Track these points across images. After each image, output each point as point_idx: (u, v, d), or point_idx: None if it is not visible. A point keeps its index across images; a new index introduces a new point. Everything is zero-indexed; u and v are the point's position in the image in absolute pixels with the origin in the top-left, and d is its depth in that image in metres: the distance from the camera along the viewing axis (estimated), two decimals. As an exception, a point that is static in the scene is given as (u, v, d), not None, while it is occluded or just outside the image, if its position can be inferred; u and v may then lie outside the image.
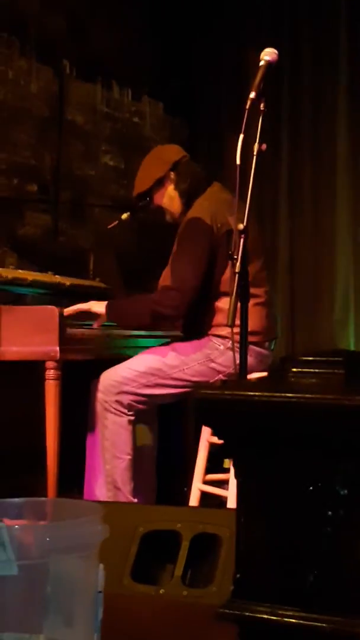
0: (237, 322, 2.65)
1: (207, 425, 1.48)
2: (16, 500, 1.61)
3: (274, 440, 1.40)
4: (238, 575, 1.43)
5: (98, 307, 3.44)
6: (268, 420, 1.39)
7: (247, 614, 1.39)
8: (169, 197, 3.61)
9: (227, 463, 3.62)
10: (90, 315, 3.46)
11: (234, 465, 1.52)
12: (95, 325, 3.42)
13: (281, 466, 1.40)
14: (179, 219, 3.60)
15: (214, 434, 1.51)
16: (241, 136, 2.70)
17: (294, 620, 1.37)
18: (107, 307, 3.43)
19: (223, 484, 3.47)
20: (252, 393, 1.39)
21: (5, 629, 1.41)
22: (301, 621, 1.36)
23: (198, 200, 3.53)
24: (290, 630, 1.37)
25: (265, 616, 1.38)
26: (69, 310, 3.36)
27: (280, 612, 1.38)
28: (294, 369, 1.51)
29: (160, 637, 1.69)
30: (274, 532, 1.40)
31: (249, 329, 2.75)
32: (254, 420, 1.39)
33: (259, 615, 1.39)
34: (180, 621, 1.84)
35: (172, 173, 3.60)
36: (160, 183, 3.61)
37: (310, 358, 1.52)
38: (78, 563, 1.45)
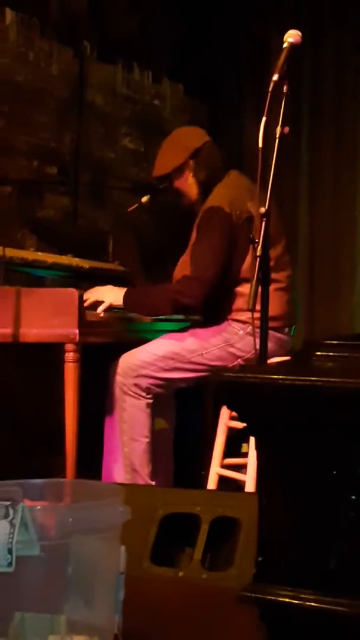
0: (258, 307, 2.64)
1: (231, 408, 1.48)
2: (37, 481, 1.62)
3: (298, 424, 1.39)
4: (260, 559, 1.43)
5: (116, 298, 3.41)
6: (292, 404, 1.38)
7: (268, 597, 1.39)
8: (188, 184, 3.59)
9: (246, 447, 3.62)
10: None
11: (257, 449, 1.52)
12: (99, 310, 3.38)
13: (304, 450, 1.40)
14: (195, 206, 3.58)
15: (237, 417, 1.50)
16: (263, 119, 2.67)
17: (315, 604, 1.37)
18: (125, 298, 3.41)
19: (241, 468, 3.47)
20: (276, 376, 1.39)
21: (27, 609, 1.41)
22: (323, 605, 1.36)
23: (216, 188, 3.50)
24: (312, 613, 1.37)
25: (287, 599, 1.38)
26: (87, 302, 3.34)
27: (302, 595, 1.38)
28: (318, 353, 1.50)
29: (181, 619, 1.69)
30: (297, 515, 1.40)
31: (269, 314, 2.73)
32: (278, 404, 1.38)
33: (280, 599, 1.39)
34: (200, 604, 1.84)
35: (191, 161, 3.57)
36: (179, 170, 3.59)
37: (334, 342, 1.51)
38: (100, 545, 1.45)
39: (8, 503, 1.35)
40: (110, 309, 3.41)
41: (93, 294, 3.38)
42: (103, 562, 1.46)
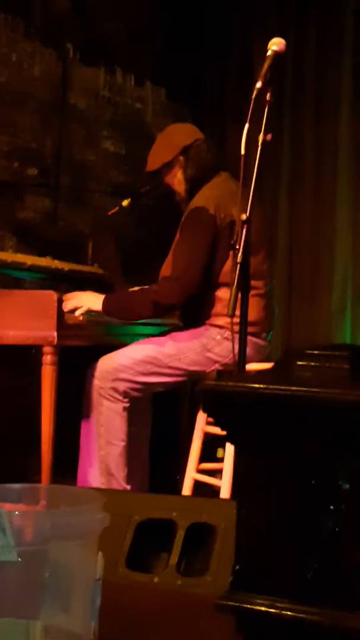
0: (237, 312, 2.65)
1: (211, 416, 1.48)
2: (15, 485, 1.61)
3: (278, 433, 1.40)
4: (237, 567, 1.43)
5: (95, 304, 3.39)
6: (273, 413, 1.38)
7: (245, 605, 1.39)
8: (178, 180, 3.60)
9: (221, 452, 3.62)
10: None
11: (236, 457, 1.52)
12: (77, 314, 3.36)
13: (284, 459, 1.40)
14: (184, 203, 3.58)
15: (216, 424, 1.50)
16: (246, 126, 2.69)
17: (292, 613, 1.37)
18: (104, 303, 3.39)
19: (216, 473, 3.47)
20: (257, 385, 1.39)
21: (2, 614, 1.40)
22: (300, 614, 1.36)
23: (203, 189, 3.51)
24: (289, 623, 1.37)
25: (264, 608, 1.38)
26: (66, 308, 3.32)
27: (279, 604, 1.38)
28: (299, 362, 1.51)
29: (157, 625, 1.69)
30: (275, 524, 1.40)
31: (248, 320, 2.74)
32: (259, 413, 1.39)
33: (257, 608, 1.39)
34: (175, 610, 1.84)
35: (181, 158, 3.58)
36: (169, 166, 3.59)
37: (316, 352, 1.52)
38: (77, 550, 1.44)
39: (-14, 508, 1.34)
40: (89, 312, 3.40)
41: (72, 301, 3.36)
42: (80, 568, 1.46)
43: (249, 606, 1.39)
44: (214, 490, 3.40)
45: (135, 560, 2.12)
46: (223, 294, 3.39)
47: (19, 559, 1.37)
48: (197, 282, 3.37)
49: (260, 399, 1.37)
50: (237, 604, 1.40)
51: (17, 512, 1.38)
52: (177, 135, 3.65)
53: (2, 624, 1.40)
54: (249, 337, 2.94)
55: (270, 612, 1.38)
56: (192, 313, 3.52)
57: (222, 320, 3.40)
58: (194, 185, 3.54)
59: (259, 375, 1.64)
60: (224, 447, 3.51)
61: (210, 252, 3.38)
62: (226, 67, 5.45)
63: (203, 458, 3.54)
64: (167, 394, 3.70)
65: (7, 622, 1.40)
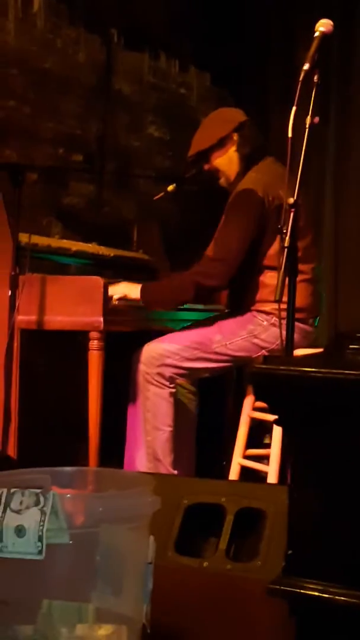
0: (284, 298, 2.63)
1: (263, 400, 1.47)
2: (67, 469, 1.61)
3: (331, 417, 1.38)
4: (290, 552, 1.42)
5: (132, 292, 3.38)
6: (325, 396, 1.37)
7: (298, 590, 1.38)
8: (228, 159, 3.54)
9: (268, 438, 3.61)
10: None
11: (288, 442, 1.51)
12: (114, 299, 3.35)
13: (337, 443, 1.39)
14: (232, 186, 3.54)
15: (269, 408, 1.49)
16: (294, 108, 2.65)
17: (346, 599, 1.36)
18: (142, 292, 3.37)
19: (263, 459, 3.46)
20: (309, 369, 1.38)
21: (55, 597, 1.41)
22: (353, 599, 1.35)
23: (250, 172, 3.48)
24: (342, 608, 1.36)
25: (317, 594, 1.37)
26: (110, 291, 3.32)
27: (332, 590, 1.37)
28: (352, 346, 1.49)
29: (208, 609, 1.69)
30: (328, 509, 1.39)
31: (295, 306, 2.72)
32: (312, 397, 1.37)
33: (310, 593, 1.38)
34: (225, 594, 1.83)
35: (235, 134, 3.53)
36: (221, 143, 3.54)
37: (368, 335, 1.50)
38: (129, 534, 1.44)
39: (39, 490, 1.35)
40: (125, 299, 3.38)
41: (109, 291, 3.35)
42: (132, 551, 1.46)
43: (301, 591, 1.38)
44: (261, 476, 3.39)
45: (184, 545, 2.12)
46: (269, 279, 3.37)
47: (71, 542, 1.37)
48: (240, 263, 3.34)
49: (312, 383, 1.36)
50: (289, 589, 1.39)
51: (68, 495, 1.39)
52: (230, 113, 3.62)
53: (55, 607, 1.41)
54: (296, 323, 2.91)
55: (323, 597, 1.37)
56: (237, 298, 3.50)
57: (269, 306, 3.38)
58: (247, 164, 3.50)
59: (311, 358, 1.62)
60: (270, 433, 3.49)
61: (256, 234, 3.35)
62: (269, 51, 5.39)
63: (249, 444, 3.53)
64: (213, 379, 3.70)
65: (59, 605, 1.41)
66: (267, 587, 1.40)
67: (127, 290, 3.37)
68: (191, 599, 1.80)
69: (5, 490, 1.35)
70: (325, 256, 5.03)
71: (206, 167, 3.59)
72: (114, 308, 3.31)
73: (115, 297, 3.35)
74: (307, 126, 2.68)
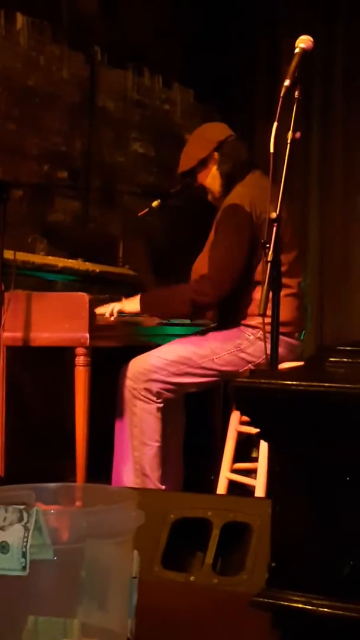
0: (269, 312, 2.64)
1: (244, 414, 1.48)
2: (51, 485, 1.62)
3: (313, 430, 1.39)
4: (273, 564, 1.43)
5: (130, 305, 3.41)
6: (307, 409, 1.38)
7: (282, 602, 1.39)
8: (212, 177, 3.58)
9: (255, 452, 3.62)
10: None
11: (270, 454, 1.51)
12: (109, 313, 3.38)
13: (319, 455, 1.40)
14: (218, 201, 3.57)
15: (250, 422, 1.50)
16: (275, 124, 2.68)
17: (329, 610, 1.36)
18: (141, 302, 3.41)
19: (251, 473, 3.47)
20: (290, 382, 1.39)
21: (40, 612, 1.41)
22: (336, 611, 1.36)
23: (237, 186, 3.50)
24: (325, 620, 1.37)
25: (300, 605, 1.38)
26: (100, 311, 3.34)
27: (315, 601, 1.37)
28: (332, 359, 1.50)
29: (193, 624, 1.69)
30: (311, 521, 1.39)
31: (280, 320, 2.73)
32: (292, 410, 1.38)
33: (293, 605, 1.39)
34: (212, 608, 1.84)
35: (215, 153, 3.57)
36: (203, 163, 3.58)
37: (348, 348, 1.51)
38: (113, 549, 1.45)
39: (22, 507, 1.35)
40: (121, 313, 3.41)
41: (107, 308, 3.38)
42: (116, 566, 1.46)
43: (285, 603, 1.39)
44: (249, 490, 3.40)
45: (171, 560, 2.13)
46: (255, 292, 3.39)
47: (55, 558, 1.37)
48: (235, 281, 3.37)
49: (293, 396, 1.37)
50: (273, 601, 1.40)
51: (52, 511, 1.39)
52: (210, 132, 3.65)
53: (41, 623, 1.41)
54: (282, 337, 2.93)
55: (307, 609, 1.38)
56: (228, 312, 3.51)
57: (255, 320, 3.39)
58: (229, 181, 3.53)
59: (292, 372, 1.63)
60: (257, 446, 3.50)
61: (247, 249, 3.37)
62: (254, 67, 5.43)
63: (237, 458, 3.53)
64: (200, 394, 3.70)
65: (45, 621, 1.41)
66: (250, 599, 1.41)
67: (125, 304, 3.40)
68: (178, 613, 1.80)
69: (-12, 507, 1.36)
70: (310, 270, 5.06)
71: (195, 183, 3.64)
72: (101, 324, 3.32)
73: (112, 311, 3.37)
74: (289, 141, 2.71)
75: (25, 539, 1.32)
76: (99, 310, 3.36)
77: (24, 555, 1.32)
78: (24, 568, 1.32)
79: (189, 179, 3.65)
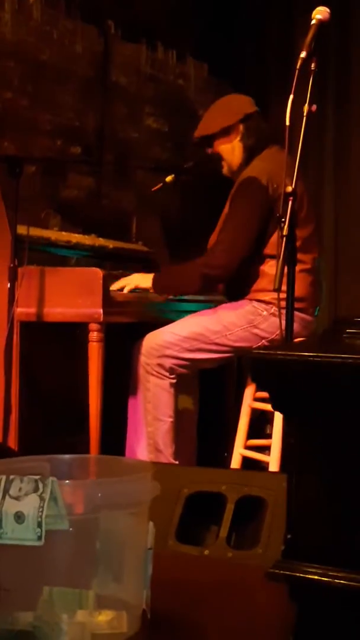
0: (283, 287, 2.63)
1: (260, 386, 1.47)
2: (66, 456, 1.62)
3: (329, 401, 1.38)
4: (289, 536, 1.42)
5: (144, 281, 3.42)
6: (323, 381, 1.37)
7: (298, 574, 1.38)
8: (232, 148, 3.55)
9: (269, 429, 3.61)
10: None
11: (286, 427, 1.51)
12: (125, 290, 3.39)
13: (335, 427, 1.39)
14: (235, 175, 3.54)
15: (267, 394, 1.49)
16: (291, 97, 2.65)
17: (345, 582, 1.35)
18: (154, 280, 3.41)
19: (265, 449, 3.46)
20: (307, 354, 1.37)
21: (56, 583, 1.41)
22: (354, 583, 1.35)
23: (255, 160, 3.48)
24: (342, 591, 1.36)
25: (317, 577, 1.37)
26: (114, 287, 3.35)
27: (331, 573, 1.36)
28: (349, 330, 1.49)
29: (208, 595, 1.69)
30: (327, 492, 1.38)
31: (295, 295, 2.72)
32: (309, 381, 1.37)
33: (309, 577, 1.38)
34: (227, 581, 1.84)
35: (241, 125, 3.53)
36: (226, 132, 3.54)
37: (365, 319, 1.50)
38: (128, 520, 1.44)
39: (38, 477, 1.35)
40: (135, 290, 3.41)
41: (121, 282, 3.39)
42: (131, 537, 1.46)
43: (301, 575, 1.38)
44: (262, 467, 3.39)
45: (185, 534, 2.12)
46: (269, 268, 3.37)
47: (71, 529, 1.37)
48: (246, 253, 3.35)
49: (310, 367, 1.36)
50: (289, 573, 1.39)
51: (67, 482, 1.39)
52: (237, 103, 3.61)
53: (55, 594, 1.41)
54: (296, 313, 2.92)
55: (323, 580, 1.37)
56: (237, 286, 3.50)
57: (269, 296, 3.37)
58: (250, 155, 3.50)
59: (308, 343, 1.62)
60: (271, 423, 3.49)
61: (260, 222, 3.35)
62: (267, 41, 5.38)
63: (251, 434, 3.53)
64: (214, 370, 3.70)
65: (60, 592, 1.41)
66: (266, 571, 1.40)
67: (139, 280, 3.40)
68: (192, 586, 1.80)
69: (4, 477, 1.35)
70: (325, 245, 5.02)
71: (209, 151, 3.60)
72: (114, 300, 3.31)
73: (127, 289, 3.37)
74: (305, 114, 2.68)
75: (40, 509, 1.32)
76: (113, 286, 3.35)
77: (39, 525, 1.32)
78: (39, 538, 1.32)
79: (205, 145, 3.59)
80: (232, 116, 3.52)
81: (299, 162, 2.67)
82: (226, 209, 3.51)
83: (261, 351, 1.40)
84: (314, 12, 2.75)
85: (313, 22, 2.74)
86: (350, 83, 5.10)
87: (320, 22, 2.74)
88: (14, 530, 1.32)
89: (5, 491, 1.33)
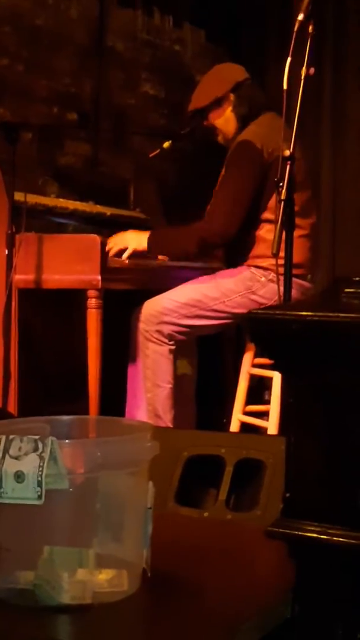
0: (281, 253, 2.62)
1: (258, 346, 1.47)
2: (65, 417, 1.62)
3: (327, 361, 1.38)
4: (287, 495, 1.43)
5: (139, 242, 3.39)
6: (322, 340, 1.37)
7: (297, 532, 1.39)
8: (225, 119, 3.54)
9: (268, 395, 3.62)
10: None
11: (285, 386, 1.51)
12: (124, 257, 3.38)
13: (333, 386, 1.39)
14: (230, 143, 3.53)
15: (266, 354, 1.49)
16: (288, 60, 2.64)
17: (344, 539, 1.37)
18: (149, 241, 3.39)
19: (263, 415, 3.48)
20: (305, 313, 1.37)
21: (56, 543, 1.42)
22: (352, 540, 1.36)
23: (250, 125, 3.47)
24: (341, 549, 1.37)
25: (315, 535, 1.38)
26: (112, 252, 3.33)
27: (330, 531, 1.37)
28: (347, 290, 1.48)
29: (208, 556, 1.70)
30: (325, 451, 1.39)
31: (293, 261, 2.72)
32: (308, 341, 1.37)
33: (308, 535, 1.39)
34: (226, 542, 1.85)
35: (232, 95, 3.52)
36: (218, 103, 3.53)
37: (364, 279, 1.49)
38: (128, 479, 1.45)
39: (37, 437, 1.36)
40: (134, 254, 3.40)
41: (116, 240, 3.38)
42: (131, 496, 1.47)
43: (299, 533, 1.39)
44: (261, 432, 3.41)
45: (184, 496, 2.13)
46: (266, 232, 3.36)
47: (71, 488, 1.38)
48: (243, 217, 3.34)
49: (308, 326, 1.36)
50: (288, 531, 1.40)
51: (67, 441, 1.39)
52: (227, 72, 3.60)
53: (56, 553, 1.42)
54: (294, 279, 2.92)
55: (322, 538, 1.38)
56: (235, 253, 3.50)
57: (267, 262, 3.37)
58: (245, 122, 3.49)
59: (307, 303, 1.62)
60: (269, 389, 3.50)
61: (255, 186, 3.34)
62: (264, 6, 5.33)
63: (249, 401, 3.54)
64: (212, 336, 3.70)
65: (60, 551, 1.42)
66: (266, 530, 1.41)
67: (136, 243, 3.38)
68: (191, 546, 1.81)
69: (3, 437, 1.36)
70: (323, 208, 5.00)
71: (204, 123, 3.59)
72: (113, 267, 3.30)
73: (125, 256, 3.36)
74: (303, 78, 2.67)
75: (40, 468, 1.32)
76: (110, 240, 3.33)
77: (39, 484, 1.32)
78: (39, 497, 1.33)
79: (198, 118, 3.59)
80: (223, 86, 3.52)
81: (297, 126, 2.65)
82: (222, 173, 3.50)
83: (259, 311, 1.40)
84: (311, -25, 2.72)
85: (310, -17, 2.71)
86: (348, 45, 5.05)
87: (318, -16, 2.72)
88: (14, 490, 1.33)
89: (5, 451, 1.33)
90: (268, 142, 3.33)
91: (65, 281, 3.27)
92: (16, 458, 1.33)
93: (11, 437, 1.36)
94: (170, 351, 3.42)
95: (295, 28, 2.67)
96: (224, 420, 3.75)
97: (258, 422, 3.45)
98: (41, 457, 1.33)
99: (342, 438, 1.39)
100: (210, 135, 3.63)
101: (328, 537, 1.39)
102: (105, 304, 3.25)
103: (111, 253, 3.32)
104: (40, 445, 1.34)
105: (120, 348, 3.55)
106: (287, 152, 2.63)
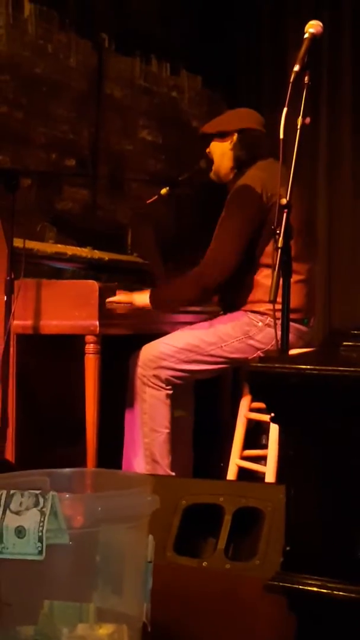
0: (279, 299, 2.64)
1: (260, 399, 1.48)
2: (65, 470, 1.62)
3: (327, 414, 1.39)
4: (288, 548, 1.43)
5: (141, 300, 3.41)
6: (321, 393, 1.38)
7: (297, 586, 1.39)
8: (222, 153, 3.59)
9: (265, 439, 3.62)
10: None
11: (285, 439, 1.52)
12: (121, 308, 3.39)
13: (333, 439, 1.40)
14: (223, 181, 3.59)
15: (265, 406, 1.50)
16: (285, 110, 2.67)
17: (344, 594, 1.37)
18: (151, 298, 3.40)
19: (261, 459, 3.47)
20: (305, 366, 1.39)
21: (56, 597, 1.42)
22: (352, 594, 1.36)
23: (250, 169, 3.50)
24: (341, 604, 1.37)
25: (315, 589, 1.38)
26: (110, 302, 3.34)
27: (330, 585, 1.38)
28: (345, 343, 1.50)
29: (208, 608, 1.70)
30: (325, 505, 1.40)
31: (290, 306, 2.73)
32: (307, 394, 1.38)
33: (308, 589, 1.39)
34: (225, 593, 1.84)
35: (235, 135, 3.58)
36: (222, 135, 3.60)
37: (361, 332, 1.51)
38: (128, 533, 1.45)
39: (38, 492, 1.36)
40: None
41: (121, 297, 3.38)
42: (131, 550, 1.47)
43: (300, 587, 1.39)
44: (259, 477, 3.40)
45: (183, 545, 2.13)
46: (263, 277, 3.38)
47: (71, 542, 1.38)
48: (239, 259, 3.36)
49: (307, 380, 1.37)
50: (288, 585, 1.40)
51: (67, 496, 1.40)
52: (244, 115, 3.66)
53: (56, 607, 1.42)
54: (291, 324, 2.93)
55: (322, 592, 1.38)
56: (232, 297, 3.51)
57: (264, 307, 3.39)
58: (239, 167, 3.54)
59: (306, 356, 1.63)
60: (267, 433, 3.50)
61: (253, 230, 3.37)
62: (260, 53, 5.41)
63: (247, 445, 3.54)
64: (209, 380, 3.70)
65: (60, 605, 1.42)
66: (265, 583, 1.41)
67: (140, 300, 3.40)
68: (191, 598, 1.80)
69: (4, 492, 1.36)
70: (319, 256, 5.04)
71: (207, 150, 3.65)
72: (110, 312, 3.32)
73: (122, 303, 3.37)
74: (299, 127, 2.70)
75: (41, 524, 1.32)
76: (112, 298, 3.35)
77: (40, 539, 1.33)
78: (40, 552, 1.33)
79: (204, 144, 3.64)
80: (232, 124, 3.59)
81: (293, 174, 2.68)
82: (221, 217, 3.53)
83: (259, 364, 1.41)
84: (307, 26, 2.77)
85: (306, 36, 2.76)
86: (342, 95, 5.13)
87: (313, 36, 2.76)
88: (14, 545, 1.33)
89: (6, 506, 1.34)
90: (267, 186, 3.36)
91: (63, 327, 3.28)
92: (17, 513, 1.33)
93: (12, 491, 1.36)
94: (168, 396, 3.42)
95: (291, 79, 2.71)
96: (222, 464, 3.73)
97: (256, 466, 3.44)
98: (42, 512, 1.33)
99: (343, 491, 1.39)
100: (209, 183, 3.68)
101: (329, 590, 1.39)
102: (102, 349, 3.26)
103: (109, 304, 3.33)
104: (41, 500, 1.35)
105: (118, 393, 3.55)
106: (284, 201, 2.65)
